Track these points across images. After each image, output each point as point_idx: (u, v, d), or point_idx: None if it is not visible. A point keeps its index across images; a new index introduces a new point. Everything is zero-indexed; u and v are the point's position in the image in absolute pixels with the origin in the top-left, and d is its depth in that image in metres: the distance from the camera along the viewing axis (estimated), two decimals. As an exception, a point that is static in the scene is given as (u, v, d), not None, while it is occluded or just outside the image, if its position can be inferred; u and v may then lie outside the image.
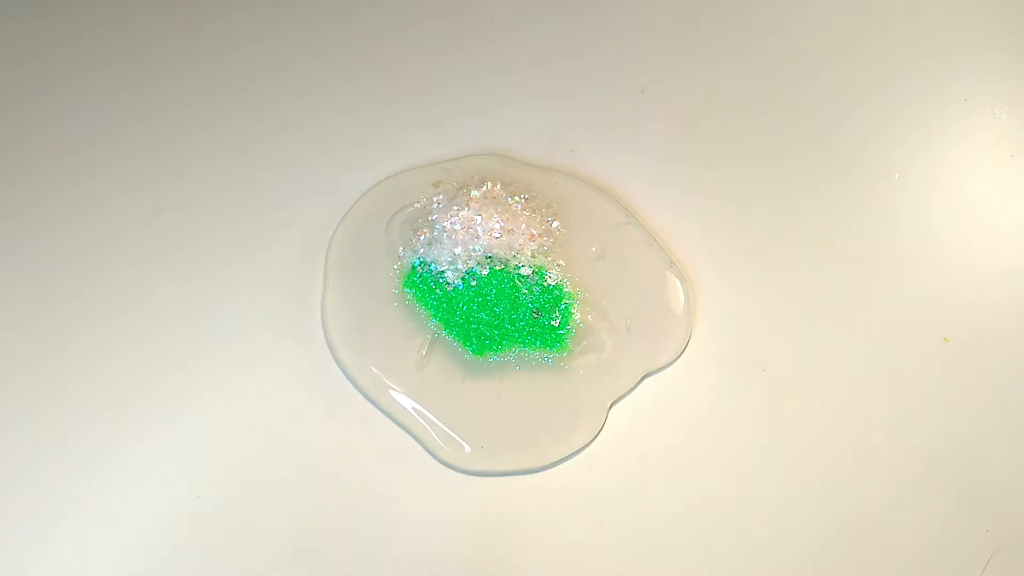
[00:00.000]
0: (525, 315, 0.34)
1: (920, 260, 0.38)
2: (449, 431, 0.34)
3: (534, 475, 0.34)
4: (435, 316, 0.35)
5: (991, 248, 0.38)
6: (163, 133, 0.41)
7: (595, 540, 0.33)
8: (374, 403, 0.35)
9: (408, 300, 0.36)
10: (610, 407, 0.34)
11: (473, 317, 0.34)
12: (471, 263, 0.35)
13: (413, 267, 0.36)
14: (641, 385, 0.35)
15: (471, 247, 0.35)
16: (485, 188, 0.37)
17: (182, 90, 0.42)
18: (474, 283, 0.35)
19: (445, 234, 0.35)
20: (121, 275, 0.38)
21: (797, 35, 0.44)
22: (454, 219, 0.35)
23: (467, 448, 0.33)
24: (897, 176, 0.40)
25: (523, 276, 0.35)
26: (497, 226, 0.35)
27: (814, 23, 0.44)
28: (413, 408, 0.34)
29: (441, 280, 0.35)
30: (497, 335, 0.34)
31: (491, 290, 0.35)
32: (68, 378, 0.36)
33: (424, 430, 0.34)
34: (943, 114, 0.41)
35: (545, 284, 0.35)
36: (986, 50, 0.43)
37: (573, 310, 0.35)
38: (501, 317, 0.34)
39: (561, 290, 0.35)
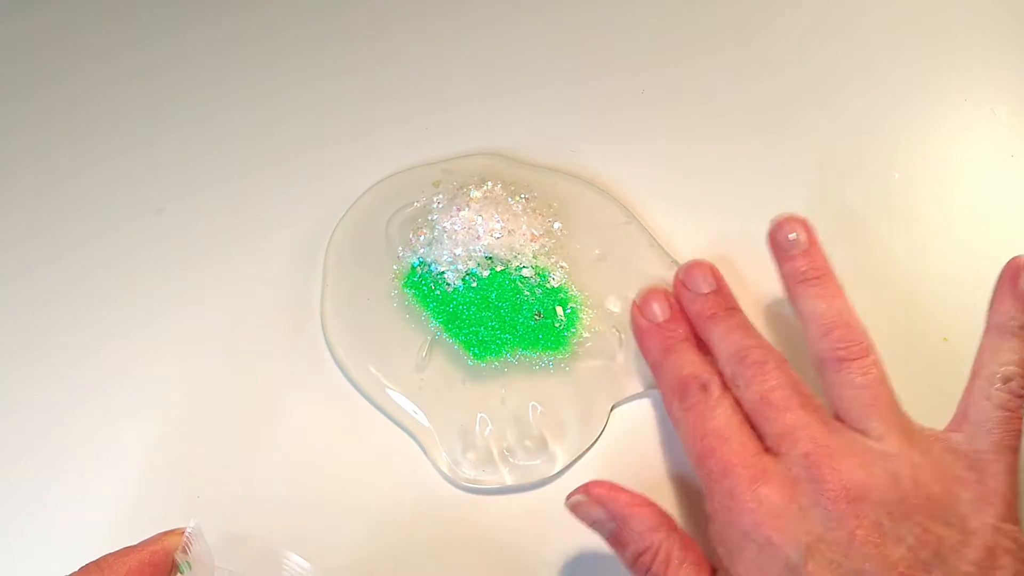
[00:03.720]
0: (527, 317, 0.34)
1: (920, 260, 0.37)
2: (448, 437, 0.34)
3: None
4: (435, 318, 0.35)
5: (991, 248, 0.38)
6: (163, 133, 0.41)
7: (595, 541, 0.33)
8: (373, 403, 0.34)
9: (408, 301, 0.35)
10: (611, 410, 0.34)
11: (474, 319, 0.34)
12: (471, 264, 0.35)
13: (413, 267, 0.36)
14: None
15: (471, 247, 0.34)
16: (486, 188, 0.37)
17: (182, 90, 0.42)
18: (475, 284, 0.35)
19: (445, 234, 0.35)
20: (121, 275, 0.38)
21: (797, 36, 0.44)
22: (454, 219, 0.35)
23: (468, 454, 0.33)
24: (897, 176, 0.40)
25: (524, 277, 0.35)
26: (497, 227, 0.35)
27: (814, 24, 0.44)
28: (412, 410, 0.34)
29: (441, 281, 0.35)
30: (498, 338, 0.34)
31: (492, 292, 0.34)
32: (66, 376, 0.36)
33: (422, 431, 0.34)
34: (943, 114, 0.41)
35: (547, 286, 0.35)
36: (986, 50, 0.43)
37: (578, 311, 0.35)
38: (503, 319, 0.34)
39: (565, 292, 0.35)
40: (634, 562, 0.28)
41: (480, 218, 0.35)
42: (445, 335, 0.35)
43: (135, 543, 0.25)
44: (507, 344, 0.34)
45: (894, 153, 0.40)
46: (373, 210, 0.38)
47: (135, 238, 0.38)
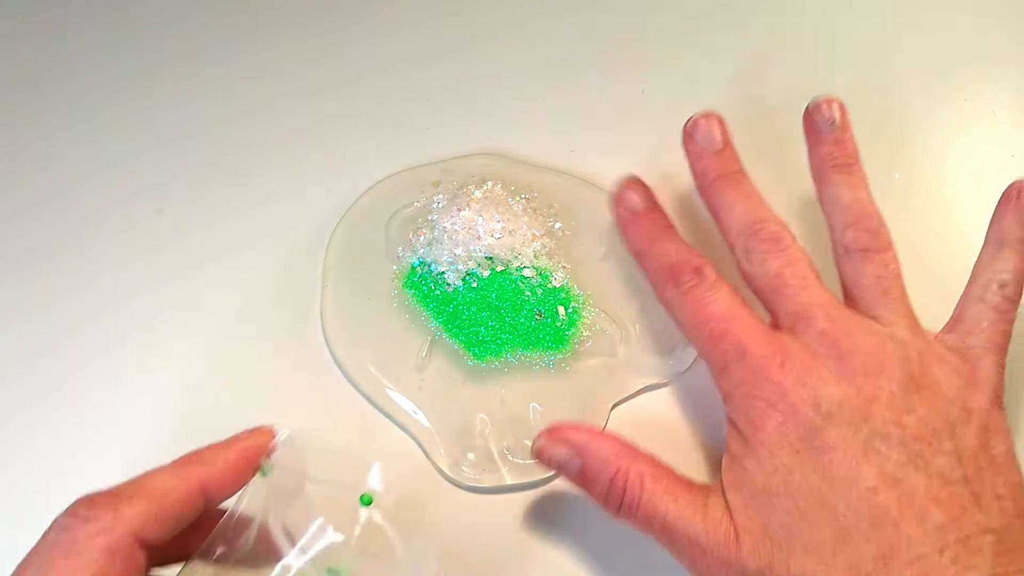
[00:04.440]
0: (527, 317, 0.34)
1: (920, 260, 0.37)
2: (448, 437, 0.34)
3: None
4: (435, 318, 0.35)
5: (991, 248, 0.38)
6: (163, 133, 0.41)
7: (594, 541, 0.33)
8: (373, 403, 0.34)
9: (408, 301, 0.35)
10: (611, 409, 0.34)
11: (475, 319, 0.34)
12: (471, 264, 0.34)
13: (413, 267, 0.36)
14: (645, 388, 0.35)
15: (472, 248, 0.34)
16: (486, 188, 0.37)
17: (182, 90, 0.42)
18: (475, 284, 0.34)
19: (446, 235, 0.35)
20: (120, 275, 0.38)
21: (797, 35, 0.44)
22: (454, 219, 0.35)
23: (468, 454, 0.33)
24: (897, 176, 0.40)
25: (525, 277, 0.35)
26: (498, 227, 0.35)
27: (814, 24, 0.44)
28: (412, 410, 0.34)
29: (441, 281, 0.35)
30: (499, 338, 0.34)
31: (492, 292, 0.34)
32: (65, 378, 0.36)
33: (422, 431, 0.34)
34: (943, 114, 0.41)
35: (549, 286, 0.35)
36: (986, 50, 0.43)
37: (579, 310, 0.35)
38: (503, 319, 0.34)
39: (567, 292, 0.35)
40: (608, 490, 0.28)
41: (480, 218, 0.35)
42: (445, 335, 0.35)
43: (224, 439, 0.25)
44: (507, 344, 0.34)
45: (894, 153, 0.40)
46: (373, 210, 0.38)
47: (135, 238, 0.38)
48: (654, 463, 0.29)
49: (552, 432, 0.29)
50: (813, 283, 0.30)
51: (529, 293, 0.35)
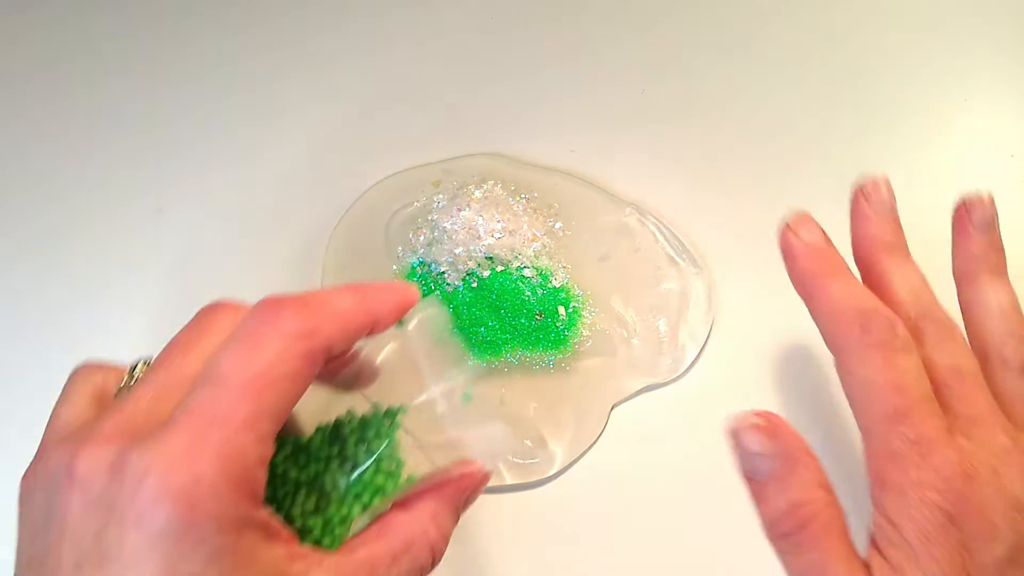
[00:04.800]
0: (527, 317, 0.34)
1: (920, 260, 0.37)
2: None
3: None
4: (436, 317, 0.35)
5: (991, 248, 0.38)
6: (164, 133, 0.41)
7: (592, 541, 0.32)
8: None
9: (408, 300, 0.35)
10: (611, 409, 0.34)
11: (475, 319, 0.34)
12: (472, 264, 0.34)
13: (413, 267, 0.36)
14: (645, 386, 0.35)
15: (472, 248, 0.34)
16: (486, 188, 0.37)
17: (184, 91, 0.42)
18: (475, 284, 0.34)
19: (446, 235, 0.35)
20: (121, 274, 0.38)
21: (797, 36, 0.44)
22: (455, 219, 0.35)
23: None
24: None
25: (525, 277, 0.35)
26: (498, 227, 0.35)
27: (815, 24, 0.44)
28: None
29: (441, 281, 0.35)
30: (499, 338, 0.34)
31: (492, 292, 0.34)
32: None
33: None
34: (943, 114, 0.41)
35: (549, 286, 0.35)
36: (986, 50, 0.43)
37: (579, 310, 0.35)
38: (503, 319, 0.34)
39: (567, 291, 0.35)
40: (785, 513, 0.25)
41: (481, 218, 0.35)
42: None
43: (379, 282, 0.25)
44: (507, 344, 0.34)
45: (894, 153, 0.40)
46: (373, 210, 0.38)
47: (135, 237, 0.38)
48: (843, 516, 0.26)
49: (770, 419, 0.26)
50: (984, 386, 0.28)
51: (529, 293, 0.34)
